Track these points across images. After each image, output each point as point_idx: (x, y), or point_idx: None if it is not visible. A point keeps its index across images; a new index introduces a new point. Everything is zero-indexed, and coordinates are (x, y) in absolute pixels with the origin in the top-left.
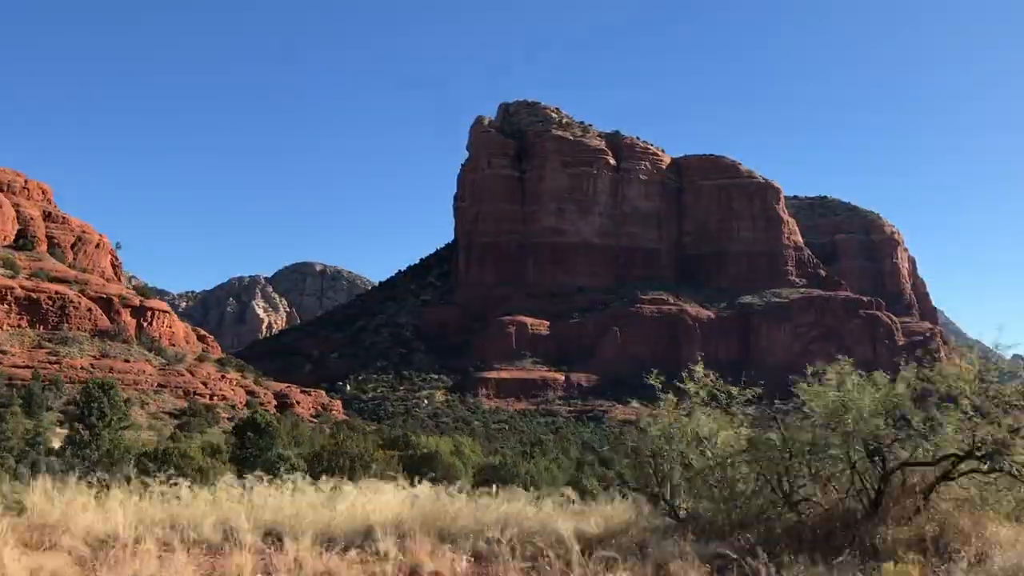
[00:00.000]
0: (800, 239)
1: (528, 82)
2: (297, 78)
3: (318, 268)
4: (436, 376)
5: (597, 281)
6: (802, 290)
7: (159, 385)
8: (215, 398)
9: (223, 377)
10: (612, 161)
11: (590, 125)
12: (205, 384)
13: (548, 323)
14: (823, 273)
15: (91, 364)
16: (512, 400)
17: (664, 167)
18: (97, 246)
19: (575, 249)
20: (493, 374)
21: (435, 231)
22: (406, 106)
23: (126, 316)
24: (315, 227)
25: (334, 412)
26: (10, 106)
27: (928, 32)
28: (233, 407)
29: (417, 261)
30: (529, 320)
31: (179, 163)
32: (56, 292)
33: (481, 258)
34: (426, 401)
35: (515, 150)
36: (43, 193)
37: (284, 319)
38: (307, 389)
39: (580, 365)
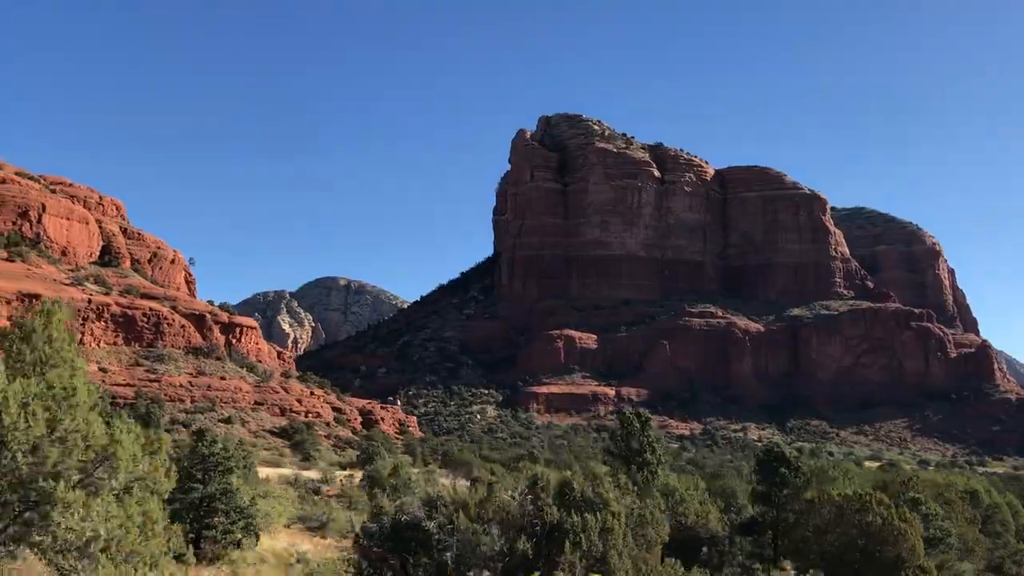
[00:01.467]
0: (847, 250)
1: (561, 95)
2: (322, 88)
3: (342, 283)
4: (485, 391)
5: (642, 294)
6: (850, 302)
7: (256, 403)
8: (310, 415)
9: (311, 394)
10: (656, 173)
11: (632, 137)
12: (300, 401)
13: (596, 337)
14: (871, 285)
15: (189, 382)
16: (563, 415)
17: (708, 179)
18: (172, 262)
19: (620, 262)
20: (543, 389)
21: (461, 245)
22: (427, 121)
23: (217, 332)
24: (337, 241)
25: (411, 429)
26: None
27: (963, 40)
28: (328, 425)
29: (458, 275)
30: (577, 334)
31: (199, 176)
32: (150, 309)
33: (525, 272)
34: (479, 416)
35: (557, 163)
36: (116, 209)
37: (309, 334)
38: (385, 405)
39: (629, 379)
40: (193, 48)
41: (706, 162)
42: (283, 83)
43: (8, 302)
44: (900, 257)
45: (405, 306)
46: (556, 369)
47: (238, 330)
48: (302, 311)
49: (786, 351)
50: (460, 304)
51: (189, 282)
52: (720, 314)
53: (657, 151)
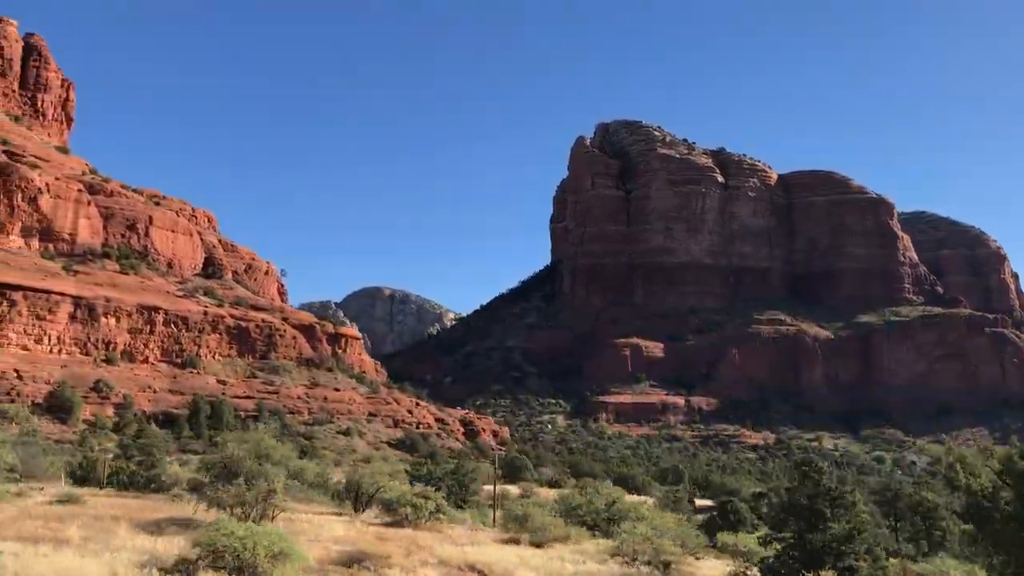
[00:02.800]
0: (915, 255)
1: (611, 102)
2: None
3: (386, 292)
4: (552, 400)
5: (708, 301)
6: (920, 308)
7: (369, 414)
8: (420, 426)
9: (417, 404)
10: (720, 178)
11: (693, 143)
12: (411, 412)
13: (662, 345)
14: (940, 290)
15: (306, 393)
16: (632, 425)
17: (772, 184)
18: (266, 273)
19: (685, 269)
20: (612, 398)
21: (503, 253)
22: (468, 132)
23: (325, 343)
24: (379, 250)
25: (505, 438)
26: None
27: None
28: (437, 436)
29: (517, 284)
30: (643, 343)
31: (241, 186)
32: (263, 320)
33: (587, 280)
34: (550, 426)
35: (618, 170)
36: (208, 220)
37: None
38: (481, 415)
39: (698, 388)
40: (222, 51)
41: (769, 167)
42: (327, 89)
43: (129, 315)
44: (964, 261)
45: (449, 316)
46: (623, 378)
47: (343, 341)
48: (348, 321)
49: (856, 358)
50: (521, 313)
51: (281, 293)
52: (789, 321)
53: (720, 156)
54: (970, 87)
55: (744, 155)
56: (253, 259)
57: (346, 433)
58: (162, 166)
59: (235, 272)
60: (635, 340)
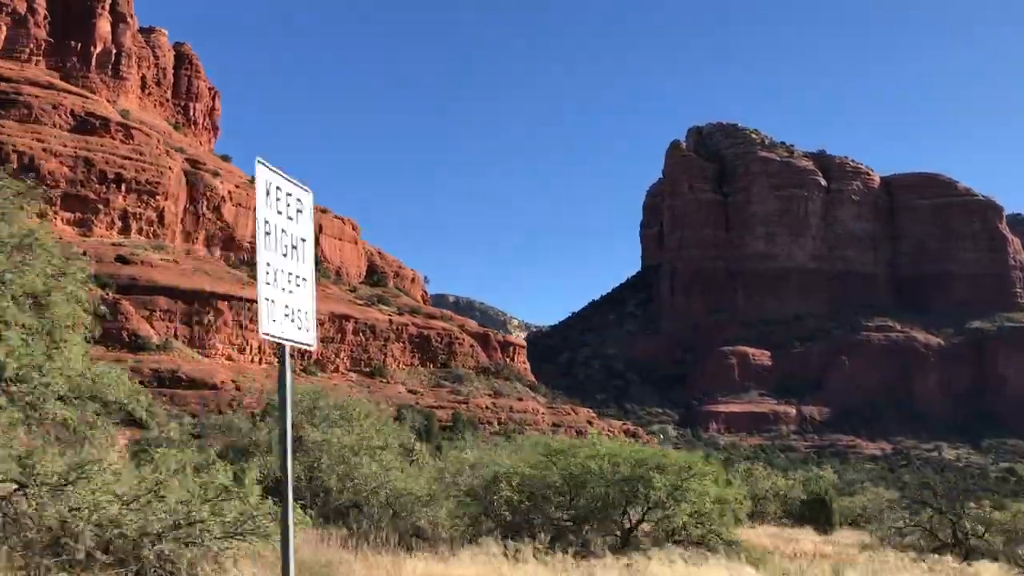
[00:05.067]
0: None
1: (697, 105)
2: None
3: (451, 299)
4: (659, 409)
5: (813, 307)
6: None
7: (553, 424)
8: (601, 436)
9: (593, 414)
10: (822, 182)
11: (792, 146)
12: (590, 423)
13: (769, 353)
14: None
15: (492, 403)
16: (743, 435)
17: (875, 187)
18: (412, 281)
19: (788, 274)
20: (721, 407)
21: (567, 261)
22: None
23: (499, 352)
24: (445, 258)
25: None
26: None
27: None
28: None
29: (609, 290)
30: (750, 350)
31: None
32: (443, 329)
33: (686, 286)
34: (662, 436)
35: (715, 174)
36: (353, 228)
37: None
38: (636, 425)
39: (808, 397)
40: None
41: (871, 169)
42: (411, 98)
43: (321, 323)
44: None
45: (514, 323)
46: (731, 387)
47: (512, 349)
48: None
49: (971, 366)
50: (618, 320)
51: (425, 301)
52: (899, 328)
53: (821, 159)
54: None
55: (846, 157)
56: (400, 267)
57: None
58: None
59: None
60: (741, 348)
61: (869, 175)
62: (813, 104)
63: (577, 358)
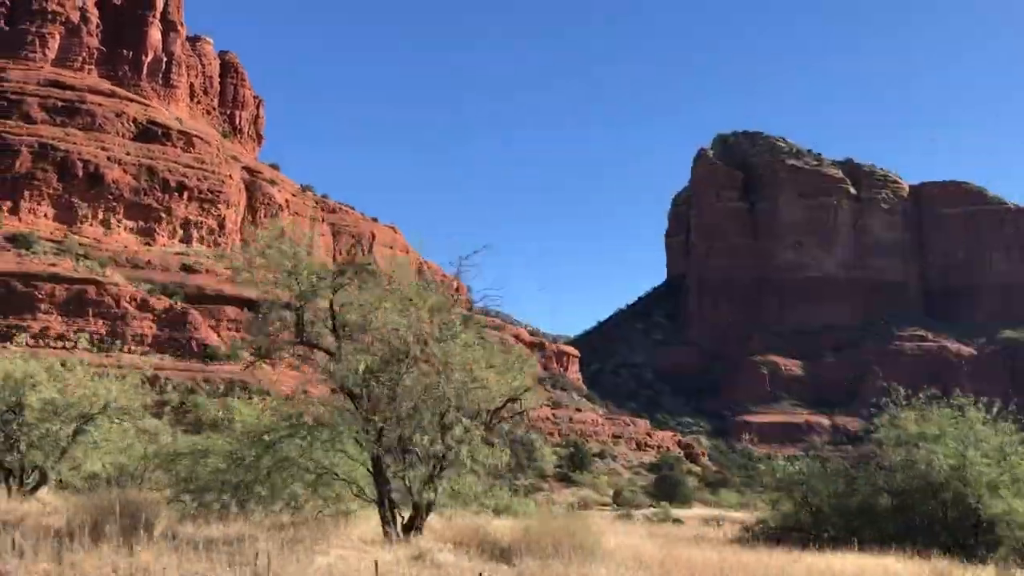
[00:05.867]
0: None
1: (715, 113)
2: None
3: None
4: (691, 419)
5: (843, 317)
6: None
7: (614, 435)
8: (660, 449)
9: (635, 423)
10: (852, 190)
11: (820, 154)
12: (649, 435)
13: (800, 363)
14: None
15: (553, 414)
16: (776, 445)
17: (904, 195)
18: (456, 290)
19: (818, 284)
20: (754, 418)
21: (577, 267)
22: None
23: (555, 362)
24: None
25: (702, 456)
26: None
27: None
28: (677, 459)
29: (635, 300)
30: (781, 360)
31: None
32: (500, 338)
33: (715, 295)
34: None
35: (741, 182)
36: (393, 234)
37: None
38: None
39: (840, 407)
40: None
41: (900, 177)
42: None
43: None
44: None
45: (536, 333)
46: (762, 397)
47: (565, 358)
48: None
49: (1003, 376)
50: (645, 329)
51: (470, 310)
52: (931, 338)
53: (849, 167)
54: None
55: (874, 165)
56: (443, 275)
57: (600, 456)
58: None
59: None
60: (772, 358)
61: (898, 183)
62: (838, 112)
63: (605, 368)
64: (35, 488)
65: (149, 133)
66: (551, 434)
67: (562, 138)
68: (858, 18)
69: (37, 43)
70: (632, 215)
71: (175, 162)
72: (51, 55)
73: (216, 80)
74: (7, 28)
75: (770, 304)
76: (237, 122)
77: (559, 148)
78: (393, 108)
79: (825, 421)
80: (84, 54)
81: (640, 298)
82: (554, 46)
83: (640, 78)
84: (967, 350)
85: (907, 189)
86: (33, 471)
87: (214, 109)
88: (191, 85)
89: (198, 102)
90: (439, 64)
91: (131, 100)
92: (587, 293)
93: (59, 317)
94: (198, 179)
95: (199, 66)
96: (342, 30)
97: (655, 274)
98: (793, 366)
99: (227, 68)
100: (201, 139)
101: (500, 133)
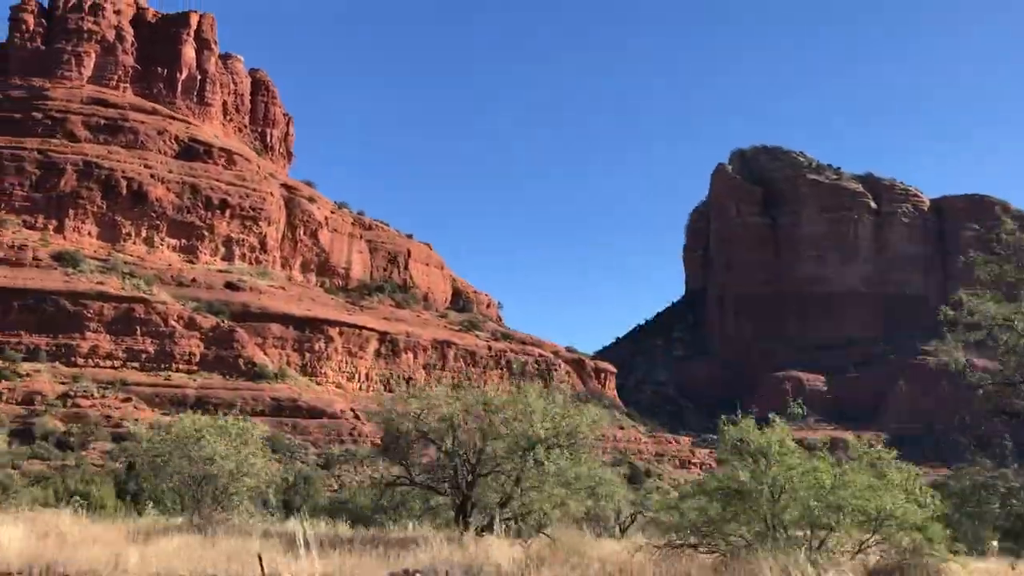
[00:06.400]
0: None
1: (730, 128)
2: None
3: None
4: (714, 436)
5: (865, 332)
6: None
7: (656, 454)
8: (703, 467)
9: (678, 441)
10: (872, 204)
11: (839, 168)
12: (693, 452)
13: (823, 378)
14: None
15: (602, 434)
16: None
17: (925, 209)
18: (488, 306)
19: (840, 298)
20: None
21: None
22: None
23: (594, 379)
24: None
25: None
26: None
27: None
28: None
29: (653, 315)
30: (804, 375)
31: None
32: (540, 355)
33: (736, 310)
34: None
35: (761, 197)
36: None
37: None
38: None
39: (864, 423)
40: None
41: (921, 191)
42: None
43: (424, 350)
44: None
45: (573, 350)
46: (785, 412)
47: (604, 376)
48: None
49: None
50: (665, 345)
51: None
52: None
53: (869, 181)
54: None
55: (895, 179)
56: (475, 292)
57: (647, 474)
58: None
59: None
60: (796, 372)
61: (919, 197)
62: (855, 126)
63: (627, 383)
64: (483, 530)
65: (191, 151)
66: (604, 451)
67: (581, 166)
68: (867, 34)
69: (73, 62)
70: (647, 230)
71: (217, 180)
72: (87, 73)
73: (247, 98)
74: (44, 48)
75: (791, 318)
76: (268, 140)
77: (572, 166)
78: (420, 131)
79: (849, 436)
80: (119, 72)
81: (659, 313)
82: (563, 70)
83: (654, 94)
84: (992, 365)
85: (928, 203)
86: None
87: (245, 127)
88: (224, 103)
89: (230, 120)
90: (457, 86)
91: (172, 118)
92: (602, 309)
93: (107, 336)
94: (240, 197)
95: (231, 84)
96: (360, 52)
97: (669, 289)
98: (817, 381)
99: (258, 86)
100: (242, 157)
101: (513, 145)
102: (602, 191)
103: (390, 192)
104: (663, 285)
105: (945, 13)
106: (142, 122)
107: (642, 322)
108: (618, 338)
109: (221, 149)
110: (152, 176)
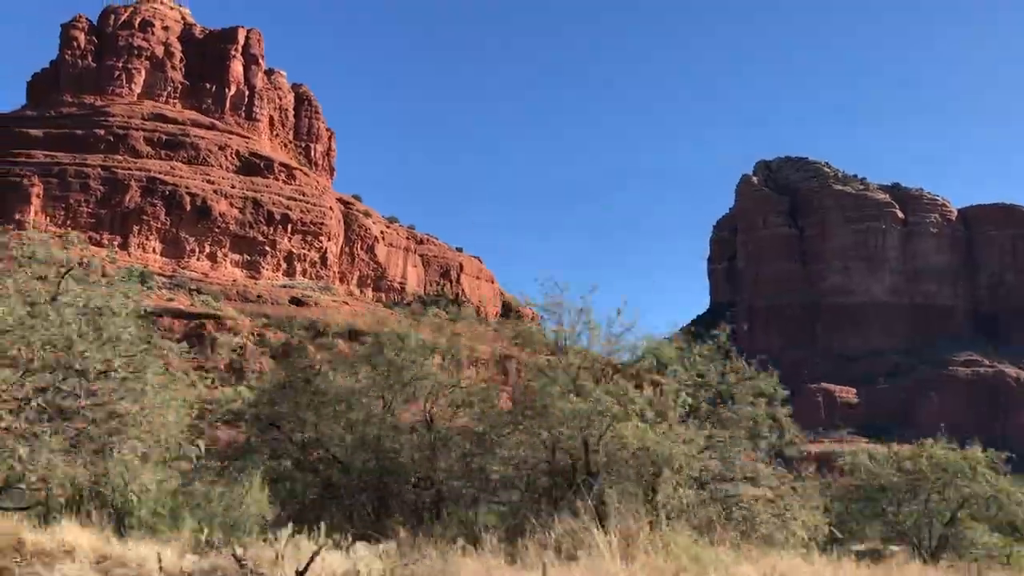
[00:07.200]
0: None
1: (749, 139)
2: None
3: None
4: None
5: (893, 343)
6: None
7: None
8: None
9: None
10: (899, 215)
11: (865, 178)
12: None
13: (854, 390)
14: None
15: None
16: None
17: (952, 219)
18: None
19: (867, 309)
20: (812, 446)
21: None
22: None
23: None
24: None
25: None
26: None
27: None
28: None
29: (678, 328)
30: (835, 388)
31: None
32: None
33: (764, 322)
34: None
35: (788, 207)
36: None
37: None
38: None
39: (895, 435)
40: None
41: (948, 201)
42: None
43: (485, 364)
44: None
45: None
46: (817, 425)
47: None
48: None
49: None
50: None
51: None
52: (987, 362)
53: (896, 191)
54: None
55: (922, 189)
56: (502, 295)
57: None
58: None
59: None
60: (827, 385)
61: (947, 207)
62: (881, 136)
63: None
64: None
65: (251, 166)
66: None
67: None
68: (886, 44)
69: (124, 78)
70: (668, 243)
71: (278, 195)
72: (137, 90)
73: (291, 113)
74: (95, 64)
75: (819, 330)
76: (312, 155)
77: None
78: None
79: (882, 449)
80: (169, 88)
81: (685, 325)
82: (577, 82)
83: (675, 106)
84: None
85: (955, 213)
86: None
87: (290, 142)
88: (270, 118)
89: (276, 135)
90: (472, 79)
91: (231, 133)
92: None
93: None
94: (301, 211)
95: (276, 99)
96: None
97: (692, 303)
98: (847, 393)
99: (300, 101)
100: (302, 171)
101: (532, 157)
102: (628, 205)
103: (433, 206)
104: (685, 299)
105: (962, 26)
106: (202, 137)
107: (667, 335)
108: None
109: (281, 164)
110: (215, 191)
